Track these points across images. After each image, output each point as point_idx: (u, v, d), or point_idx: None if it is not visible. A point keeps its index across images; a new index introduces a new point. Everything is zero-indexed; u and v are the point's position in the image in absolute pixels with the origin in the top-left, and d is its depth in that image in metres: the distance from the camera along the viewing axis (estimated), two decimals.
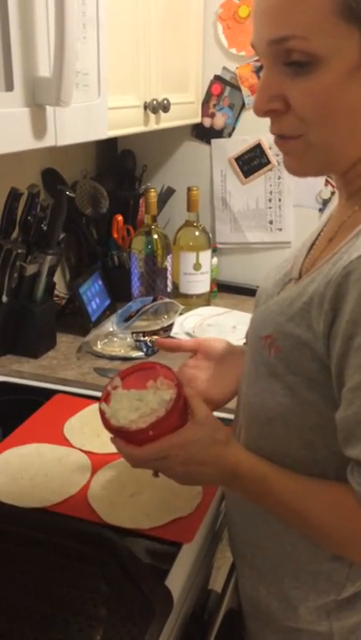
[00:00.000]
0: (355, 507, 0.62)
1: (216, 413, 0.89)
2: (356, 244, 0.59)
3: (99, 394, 1.20)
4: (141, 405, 0.75)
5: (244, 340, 0.87)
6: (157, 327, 1.48)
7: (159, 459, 0.72)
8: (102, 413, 0.76)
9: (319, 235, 0.77)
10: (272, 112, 0.63)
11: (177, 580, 0.77)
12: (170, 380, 0.78)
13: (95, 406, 1.16)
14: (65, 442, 1.06)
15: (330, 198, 1.65)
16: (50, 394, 1.23)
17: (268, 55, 0.61)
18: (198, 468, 0.71)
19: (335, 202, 0.76)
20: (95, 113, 0.99)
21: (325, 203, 1.70)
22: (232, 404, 0.86)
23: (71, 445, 1.05)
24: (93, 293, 1.58)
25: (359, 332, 0.57)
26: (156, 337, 1.45)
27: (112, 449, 0.78)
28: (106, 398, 0.77)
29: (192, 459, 0.71)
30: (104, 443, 0.94)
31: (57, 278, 1.63)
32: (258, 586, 0.82)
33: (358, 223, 0.62)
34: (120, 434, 0.73)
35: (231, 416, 0.87)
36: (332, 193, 1.67)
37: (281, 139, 0.66)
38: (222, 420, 0.92)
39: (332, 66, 0.58)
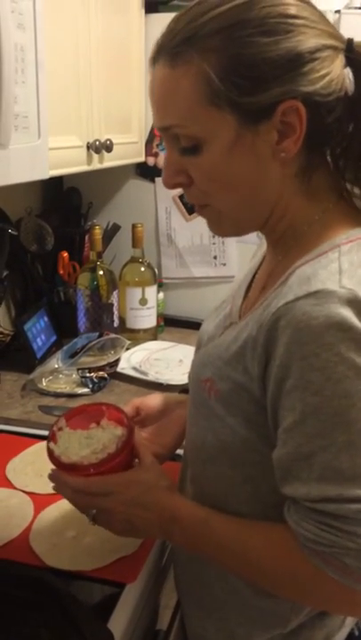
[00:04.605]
0: (291, 544, 0.63)
1: None
2: (283, 292, 0.62)
3: (43, 432, 1.19)
4: (92, 442, 0.75)
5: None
6: (104, 363, 1.47)
7: (103, 494, 0.72)
8: (51, 452, 0.76)
9: (254, 276, 0.80)
10: (178, 185, 0.69)
11: (120, 621, 0.76)
12: (115, 421, 0.79)
13: (39, 445, 1.14)
14: (7, 483, 1.03)
15: None
16: None
17: (165, 138, 0.68)
18: (139, 511, 0.72)
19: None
20: (36, 154, 1.01)
21: None
22: None
23: (13, 487, 1.02)
24: (39, 330, 1.57)
25: (290, 375, 0.59)
26: (102, 372, 1.45)
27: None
28: (52, 438, 0.78)
29: (134, 500, 0.72)
30: (47, 483, 0.93)
31: (2, 315, 1.61)
32: (205, 624, 0.82)
33: (284, 271, 0.66)
34: (70, 470, 0.74)
35: None
36: None
37: (197, 207, 0.72)
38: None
39: (213, 145, 0.64)
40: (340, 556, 0.60)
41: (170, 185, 0.70)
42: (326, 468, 0.59)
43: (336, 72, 0.62)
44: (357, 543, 0.59)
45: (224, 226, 0.72)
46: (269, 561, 0.66)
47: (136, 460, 0.78)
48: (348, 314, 0.56)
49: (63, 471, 0.75)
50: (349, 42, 0.64)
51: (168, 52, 0.63)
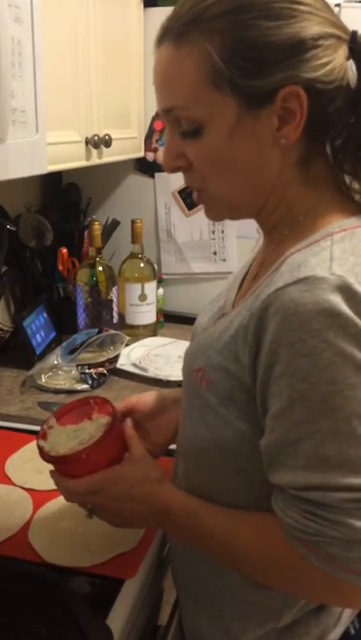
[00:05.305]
0: (279, 533, 0.63)
1: None
2: (274, 279, 0.62)
3: None
4: (80, 434, 0.77)
5: None
6: (103, 359, 1.47)
7: (92, 492, 0.73)
8: (41, 449, 0.77)
9: (249, 269, 0.80)
10: (178, 169, 0.69)
11: (119, 617, 0.76)
12: (104, 414, 0.79)
13: None
14: (6, 480, 1.03)
15: None
16: None
17: (166, 121, 0.69)
18: (129, 504, 0.73)
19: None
20: (34, 149, 1.00)
21: None
22: None
23: (12, 483, 1.02)
24: (38, 326, 1.57)
25: (278, 361, 0.59)
26: (101, 369, 1.45)
27: (54, 485, 0.79)
28: (43, 436, 0.79)
29: (124, 495, 0.73)
30: (46, 479, 0.93)
31: (1, 311, 1.61)
32: (200, 620, 0.82)
33: (277, 259, 0.66)
34: (59, 463, 0.75)
35: None
36: None
37: (194, 191, 0.72)
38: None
39: (213, 128, 0.64)
40: (325, 545, 0.59)
41: (170, 169, 0.70)
42: (312, 455, 0.59)
43: (338, 61, 0.62)
44: (342, 532, 0.58)
45: (217, 209, 0.72)
46: (257, 550, 0.66)
47: (127, 454, 0.78)
48: (336, 300, 0.56)
49: (56, 466, 0.76)
50: (354, 34, 0.64)
51: (173, 33, 0.63)
